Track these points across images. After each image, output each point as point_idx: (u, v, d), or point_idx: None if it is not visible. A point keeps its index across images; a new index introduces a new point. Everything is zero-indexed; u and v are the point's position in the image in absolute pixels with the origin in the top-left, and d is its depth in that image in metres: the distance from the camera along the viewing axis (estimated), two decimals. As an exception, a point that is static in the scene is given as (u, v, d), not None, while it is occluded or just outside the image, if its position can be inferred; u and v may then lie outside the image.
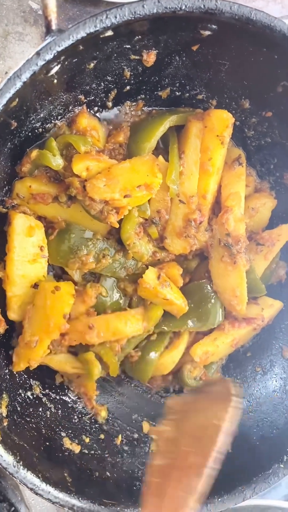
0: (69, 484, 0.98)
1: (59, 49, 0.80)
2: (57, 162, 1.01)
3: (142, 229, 1.15)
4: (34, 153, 1.01)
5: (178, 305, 1.18)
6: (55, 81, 0.93)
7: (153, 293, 1.14)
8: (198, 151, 1.14)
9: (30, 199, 1.05)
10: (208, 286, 1.22)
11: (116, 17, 0.83)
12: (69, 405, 1.18)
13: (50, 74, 0.87)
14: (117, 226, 1.05)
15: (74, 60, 0.91)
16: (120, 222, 1.09)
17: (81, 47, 0.86)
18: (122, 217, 1.06)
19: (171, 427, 0.97)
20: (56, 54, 0.80)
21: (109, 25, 0.83)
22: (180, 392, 1.31)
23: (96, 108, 1.12)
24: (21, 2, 1.40)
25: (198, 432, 0.95)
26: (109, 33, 0.86)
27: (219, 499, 1.07)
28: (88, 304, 1.13)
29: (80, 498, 0.96)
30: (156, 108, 1.19)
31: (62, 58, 0.85)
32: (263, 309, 1.27)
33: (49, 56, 0.80)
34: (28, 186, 1.03)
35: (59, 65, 0.86)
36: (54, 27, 0.80)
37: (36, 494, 0.92)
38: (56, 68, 0.86)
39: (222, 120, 1.13)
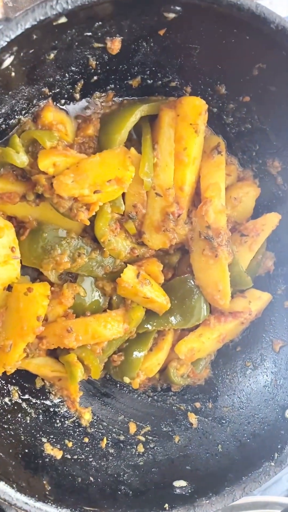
0: (47, 492, 0.95)
1: (7, 39, 0.75)
2: (21, 159, 0.97)
3: (118, 225, 1.11)
4: None
5: (159, 303, 1.14)
6: (13, 74, 0.88)
7: (133, 292, 1.10)
8: (172, 141, 1.09)
9: None
10: (191, 281, 1.18)
11: (67, 2, 0.78)
12: (51, 409, 1.14)
13: (3, 67, 0.82)
14: (88, 223, 1.01)
15: (30, 51, 0.86)
16: (93, 219, 1.05)
17: (34, 36, 0.81)
18: (94, 214, 1.02)
19: None
20: (4, 45, 0.76)
21: (60, 11, 0.78)
22: (167, 390, 1.27)
23: (63, 101, 1.07)
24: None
25: None
26: (63, 19, 0.81)
27: (207, 501, 1.04)
28: (66, 306, 1.09)
29: (58, 507, 0.93)
30: (128, 98, 1.14)
31: (15, 49, 0.80)
32: (251, 302, 1.23)
33: (-3, 48, 0.75)
34: None
35: (12, 57, 0.82)
36: (0, 16, 0.75)
37: (11, 505, 0.89)
38: (9, 60, 0.82)
39: (195, 107, 1.08)
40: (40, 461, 1.03)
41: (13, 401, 1.09)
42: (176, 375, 1.23)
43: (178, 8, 0.90)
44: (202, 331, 1.21)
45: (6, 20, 0.75)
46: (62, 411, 1.16)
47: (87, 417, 1.15)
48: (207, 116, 1.10)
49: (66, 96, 1.06)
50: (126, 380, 1.18)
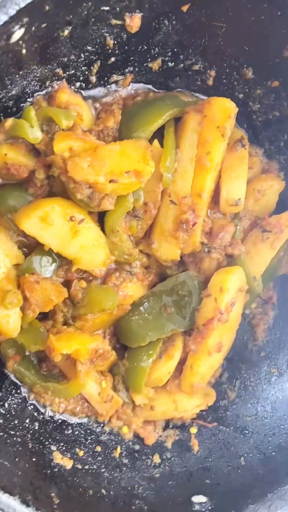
0: (55, 506, 0.89)
1: (17, 7, 0.69)
2: (34, 134, 0.92)
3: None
4: (9, 122, 0.92)
5: None
6: (24, 50, 0.84)
7: None
8: (195, 147, 1.04)
9: (2, 169, 0.95)
10: (187, 276, 1.12)
11: None
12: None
13: (13, 41, 0.77)
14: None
15: (42, 26, 0.82)
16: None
17: (47, 7, 0.76)
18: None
19: None
20: (14, 13, 0.70)
21: (75, -22, 0.72)
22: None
23: (78, 84, 1.03)
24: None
25: None
26: (78, -12, 0.75)
27: (229, 520, 0.96)
28: None
29: (67, 524, 0.86)
30: (150, 87, 1.09)
31: (25, 20, 0.75)
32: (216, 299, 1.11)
33: (4, 17, 0.69)
34: (3, 154, 0.94)
35: (22, 29, 0.76)
36: (9, -19, 0.69)
37: (14, 518, 0.82)
38: (19, 32, 0.76)
39: (224, 110, 1.03)
40: (49, 471, 0.98)
41: (20, 406, 1.03)
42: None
43: (204, -21, 0.83)
44: (193, 360, 1.11)
45: (15, -14, 0.69)
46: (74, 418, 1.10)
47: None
48: (234, 121, 1.05)
49: (81, 78, 1.02)
50: (137, 400, 1.11)
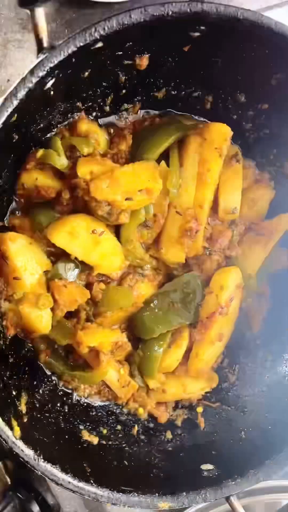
0: (88, 474, 1.03)
1: (52, 65, 0.83)
2: (62, 162, 1.05)
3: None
4: (40, 152, 1.05)
5: None
6: (52, 93, 0.96)
7: None
8: (196, 166, 1.17)
9: (33, 191, 1.08)
10: (192, 276, 1.25)
11: (104, 29, 0.86)
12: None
13: (46, 88, 0.90)
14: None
15: (68, 72, 0.94)
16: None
17: (73, 60, 0.89)
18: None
19: None
20: (49, 69, 0.84)
21: (98, 38, 0.86)
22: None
23: (94, 114, 1.15)
24: (18, 10, 1.43)
25: None
26: (100, 44, 0.88)
27: (233, 482, 1.11)
28: None
29: (99, 487, 1.02)
30: (157, 112, 1.21)
31: (56, 72, 0.88)
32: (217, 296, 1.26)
33: (42, 73, 0.83)
34: (34, 178, 1.07)
35: (53, 79, 0.89)
36: (45, 44, 0.83)
37: (57, 484, 0.98)
38: (51, 82, 0.89)
39: (221, 133, 1.16)
40: (79, 446, 1.12)
41: (52, 392, 1.17)
42: None
43: (203, 27, 0.97)
44: (198, 349, 1.26)
45: (51, 48, 0.83)
46: (97, 401, 1.24)
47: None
48: (230, 142, 1.18)
49: (97, 108, 1.14)
50: (151, 384, 1.25)
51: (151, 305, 1.24)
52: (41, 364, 1.19)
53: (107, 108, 1.15)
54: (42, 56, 0.82)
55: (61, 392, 1.20)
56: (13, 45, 1.45)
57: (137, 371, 1.25)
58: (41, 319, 1.09)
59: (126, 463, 1.15)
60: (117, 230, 1.16)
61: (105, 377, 1.18)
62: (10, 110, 0.82)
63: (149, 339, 1.23)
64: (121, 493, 1.03)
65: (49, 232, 1.07)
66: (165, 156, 1.17)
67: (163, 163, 1.14)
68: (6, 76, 1.46)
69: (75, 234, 1.06)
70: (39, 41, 0.83)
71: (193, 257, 1.25)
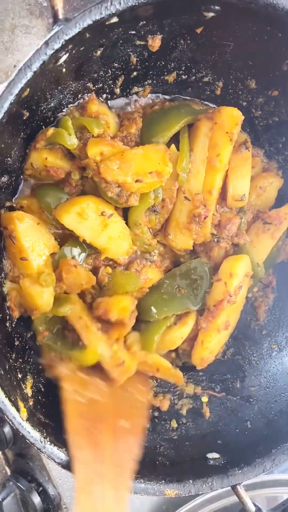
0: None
1: (67, 37, 0.82)
2: (72, 141, 1.04)
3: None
4: (50, 131, 1.03)
5: None
6: (64, 69, 0.95)
7: None
8: (206, 150, 1.16)
9: (42, 171, 1.07)
10: (199, 262, 1.24)
11: (120, 3, 0.85)
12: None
13: (59, 63, 0.89)
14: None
15: (81, 48, 0.93)
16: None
17: (87, 35, 0.88)
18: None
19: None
20: (64, 42, 0.83)
21: (114, 12, 0.85)
22: (198, 370, 1.34)
23: (104, 96, 1.14)
24: (26, -5, 1.42)
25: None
26: (115, 19, 0.87)
27: (240, 471, 1.10)
28: None
29: (106, 472, 1.00)
30: (167, 97, 1.20)
31: (70, 46, 0.87)
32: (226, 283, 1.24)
33: (57, 45, 0.82)
34: (44, 158, 1.05)
35: (67, 54, 0.88)
36: (61, 16, 0.82)
37: (63, 467, 0.96)
38: (64, 57, 0.88)
39: (232, 117, 1.15)
40: (85, 432, 1.10)
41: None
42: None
43: (217, 7, 0.96)
44: (205, 335, 1.24)
45: (66, 20, 0.82)
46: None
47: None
48: (240, 127, 1.17)
49: (107, 90, 1.13)
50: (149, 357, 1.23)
51: (158, 289, 1.23)
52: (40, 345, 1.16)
53: (117, 91, 1.14)
54: (57, 28, 0.81)
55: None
56: (20, 30, 1.44)
57: (136, 346, 1.22)
58: (42, 295, 1.07)
59: (131, 449, 1.13)
60: (125, 215, 1.15)
61: (98, 355, 1.14)
62: (24, 81, 0.81)
63: (153, 320, 1.22)
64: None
65: (58, 212, 1.05)
66: (175, 140, 1.16)
67: (173, 146, 1.14)
68: (13, 61, 1.45)
69: (84, 215, 1.05)
70: (54, 13, 0.82)
71: (200, 244, 1.24)
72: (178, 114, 1.16)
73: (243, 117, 1.16)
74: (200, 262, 1.25)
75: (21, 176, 1.09)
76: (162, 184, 1.10)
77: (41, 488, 1.38)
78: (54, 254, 1.11)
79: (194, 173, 1.17)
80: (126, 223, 1.14)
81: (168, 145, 1.15)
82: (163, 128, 1.13)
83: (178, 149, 1.15)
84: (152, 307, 1.20)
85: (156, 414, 1.26)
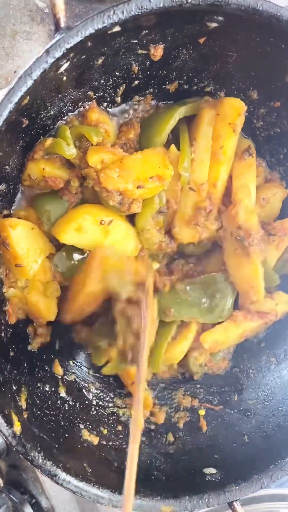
0: (89, 474, 1.00)
1: (68, 46, 0.81)
2: (70, 151, 1.02)
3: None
4: (48, 141, 1.02)
5: None
6: (65, 78, 0.94)
7: None
8: (210, 138, 1.14)
9: (41, 181, 1.06)
10: (222, 278, 1.22)
11: (123, 13, 0.84)
12: (87, 397, 1.19)
13: (59, 72, 0.88)
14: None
15: (82, 57, 0.92)
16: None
17: (89, 44, 0.87)
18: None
19: None
20: (65, 51, 0.81)
21: (116, 21, 0.84)
22: (195, 382, 1.32)
23: (105, 104, 1.13)
24: (27, 1, 1.41)
25: None
26: (117, 28, 0.86)
27: (237, 487, 1.09)
28: None
29: (100, 488, 0.98)
30: (164, 102, 1.19)
31: (71, 55, 0.86)
32: (277, 305, 1.27)
33: (58, 54, 0.81)
34: (41, 168, 1.04)
35: (68, 62, 0.87)
36: (62, 24, 0.81)
37: (57, 483, 0.94)
38: (65, 65, 0.87)
39: (235, 108, 1.13)
40: (79, 446, 1.08)
41: (53, 389, 1.14)
42: (195, 364, 1.27)
43: (220, 18, 0.95)
44: (228, 326, 1.24)
45: (68, 29, 0.80)
46: (97, 400, 1.21)
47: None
48: (244, 117, 1.15)
49: (108, 99, 1.12)
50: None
51: (180, 292, 1.21)
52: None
53: (118, 99, 1.13)
54: (58, 36, 0.80)
55: (61, 390, 1.17)
56: (21, 36, 1.44)
57: None
58: (49, 307, 1.07)
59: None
60: (130, 217, 1.14)
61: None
62: (24, 90, 0.79)
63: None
64: (122, 495, 0.99)
65: (56, 232, 1.04)
66: (175, 141, 1.15)
67: (173, 146, 1.12)
68: (13, 67, 1.44)
69: (82, 229, 1.04)
70: (56, 21, 0.80)
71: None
72: (170, 108, 1.15)
73: (245, 108, 1.14)
74: (216, 277, 1.22)
75: (19, 185, 1.07)
76: (164, 187, 1.09)
77: (34, 500, 1.36)
78: (52, 256, 1.09)
79: (199, 163, 1.14)
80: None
81: (168, 146, 1.13)
82: (158, 125, 1.12)
83: (178, 149, 1.13)
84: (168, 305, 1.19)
85: (152, 427, 1.24)
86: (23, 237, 1.02)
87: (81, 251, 1.10)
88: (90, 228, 1.05)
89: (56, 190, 1.08)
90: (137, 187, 1.03)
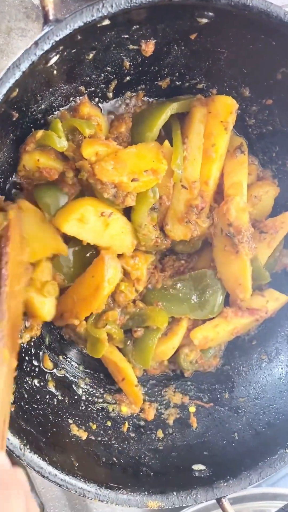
0: (76, 468, 1.00)
1: (57, 38, 0.81)
2: (62, 144, 1.02)
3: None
4: (39, 134, 1.02)
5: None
6: (55, 71, 0.94)
7: None
8: (202, 136, 1.14)
9: (35, 172, 1.06)
10: (212, 275, 1.23)
11: (112, 6, 0.84)
12: (77, 393, 1.19)
13: (49, 65, 0.88)
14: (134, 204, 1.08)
15: (73, 51, 0.92)
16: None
17: (79, 37, 0.87)
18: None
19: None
20: (54, 43, 0.82)
21: (105, 14, 0.84)
22: (186, 380, 1.32)
23: (96, 99, 1.13)
24: (22, -2, 1.42)
25: None
26: (106, 22, 0.87)
27: (225, 484, 1.08)
28: None
29: (87, 482, 0.98)
30: (157, 98, 1.20)
31: (61, 48, 0.86)
32: (268, 302, 1.27)
33: (47, 46, 0.81)
34: (36, 159, 1.04)
35: (58, 55, 0.87)
36: (51, 17, 0.81)
37: (43, 476, 0.93)
38: (55, 58, 0.87)
39: (227, 106, 1.13)
40: (67, 440, 1.08)
41: (42, 383, 1.13)
42: (185, 361, 1.27)
43: (211, 14, 0.96)
44: (218, 322, 1.24)
45: (57, 21, 0.81)
46: (87, 395, 1.21)
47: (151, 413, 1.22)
48: (236, 115, 1.15)
49: (100, 94, 1.12)
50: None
51: (170, 289, 1.23)
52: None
53: (110, 95, 1.14)
54: (47, 29, 0.80)
55: (50, 385, 1.16)
56: (16, 33, 1.44)
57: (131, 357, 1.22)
58: (43, 306, 1.07)
59: (115, 460, 1.11)
60: (126, 213, 1.14)
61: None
62: (12, 81, 0.80)
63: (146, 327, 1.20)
64: (109, 490, 0.99)
65: (58, 221, 1.04)
66: (169, 137, 1.15)
67: (166, 142, 1.12)
68: (8, 64, 1.44)
69: (84, 220, 1.04)
70: (45, 13, 0.81)
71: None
72: (163, 104, 1.15)
73: (237, 105, 1.14)
74: (206, 273, 1.23)
75: (9, 179, 1.07)
76: (159, 181, 1.09)
77: (23, 497, 1.35)
78: (56, 257, 1.09)
79: (191, 161, 1.15)
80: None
81: (161, 142, 1.13)
82: (150, 120, 1.12)
83: (171, 145, 1.14)
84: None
85: (142, 423, 1.23)
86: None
87: (84, 252, 1.11)
88: (92, 219, 1.05)
89: (56, 183, 1.08)
90: (132, 180, 1.03)
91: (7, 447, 0.91)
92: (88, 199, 1.07)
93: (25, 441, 0.93)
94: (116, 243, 1.10)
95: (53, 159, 1.06)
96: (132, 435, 1.20)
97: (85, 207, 1.05)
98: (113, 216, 1.07)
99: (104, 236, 1.07)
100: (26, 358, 1.13)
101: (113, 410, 1.22)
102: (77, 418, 1.15)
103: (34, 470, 0.93)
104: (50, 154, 1.05)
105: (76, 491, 0.96)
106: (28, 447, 0.93)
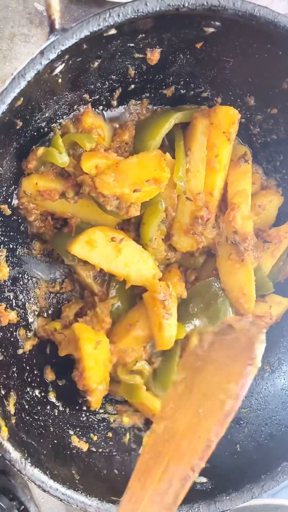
0: (77, 481, 0.98)
1: (63, 48, 0.80)
2: (63, 159, 1.02)
3: None
4: (40, 151, 1.01)
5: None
6: (60, 80, 0.94)
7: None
8: (205, 148, 1.14)
9: (37, 196, 1.05)
10: (216, 284, 1.21)
11: (119, 16, 0.83)
12: (78, 403, 1.18)
13: (54, 73, 0.87)
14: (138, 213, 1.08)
15: (78, 59, 0.91)
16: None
17: (85, 46, 0.86)
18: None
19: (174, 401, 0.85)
20: (60, 53, 0.81)
21: (112, 24, 0.83)
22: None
23: (101, 107, 1.12)
24: (26, 4, 1.41)
25: (199, 407, 0.83)
26: (113, 31, 0.86)
27: (227, 497, 1.07)
28: (106, 327, 1.14)
29: (88, 496, 0.96)
30: (161, 106, 1.19)
31: (66, 57, 0.85)
32: (271, 307, 1.26)
33: (53, 55, 0.80)
34: (34, 183, 1.04)
35: (63, 64, 0.87)
36: (57, 26, 0.81)
37: (44, 491, 0.92)
38: (60, 67, 0.87)
39: (229, 117, 1.13)
40: (68, 452, 1.06)
41: (42, 394, 1.12)
42: None
43: (218, 23, 0.95)
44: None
45: (63, 30, 0.80)
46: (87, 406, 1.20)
47: None
48: (238, 126, 1.15)
49: (104, 102, 1.11)
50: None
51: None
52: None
53: (114, 103, 1.13)
54: (53, 38, 0.79)
55: (51, 395, 1.15)
56: (19, 39, 1.43)
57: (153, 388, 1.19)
58: None
59: (116, 472, 1.10)
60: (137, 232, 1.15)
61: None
62: (17, 91, 0.79)
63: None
64: (110, 504, 0.98)
65: (69, 247, 1.06)
66: (170, 149, 1.15)
67: (167, 154, 1.11)
68: (11, 70, 1.43)
69: (93, 243, 1.05)
70: (51, 22, 0.80)
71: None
72: (167, 113, 1.14)
73: (239, 116, 1.14)
74: (208, 283, 1.21)
75: (13, 187, 1.06)
76: (161, 190, 1.08)
77: (22, 507, 1.34)
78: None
79: (194, 173, 1.14)
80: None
81: (163, 151, 1.11)
82: (153, 128, 1.12)
83: (173, 157, 1.13)
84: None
85: (143, 434, 1.22)
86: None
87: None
88: (101, 242, 1.06)
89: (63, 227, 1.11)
90: (134, 191, 1.02)
91: (7, 460, 0.89)
92: (99, 227, 1.08)
93: (26, 455, 0.92)
94: (134, 272, 1.09)
95: (52, 180, 1.06)
96: (134, 446, 1.19)
97: (93, 231, 1.06)
98: (125, 242, 1.07)
99: (118, 263, 1.07)
100: (27, 368, 1.12)
101: (114, 420, 1.21)
102: (78, 429, 1.14)
103: (35, 484, 0.91)
104: (48, 175, 1.05)
105: (77, 505, 0.95)
106: (29, 461, 0.92)
